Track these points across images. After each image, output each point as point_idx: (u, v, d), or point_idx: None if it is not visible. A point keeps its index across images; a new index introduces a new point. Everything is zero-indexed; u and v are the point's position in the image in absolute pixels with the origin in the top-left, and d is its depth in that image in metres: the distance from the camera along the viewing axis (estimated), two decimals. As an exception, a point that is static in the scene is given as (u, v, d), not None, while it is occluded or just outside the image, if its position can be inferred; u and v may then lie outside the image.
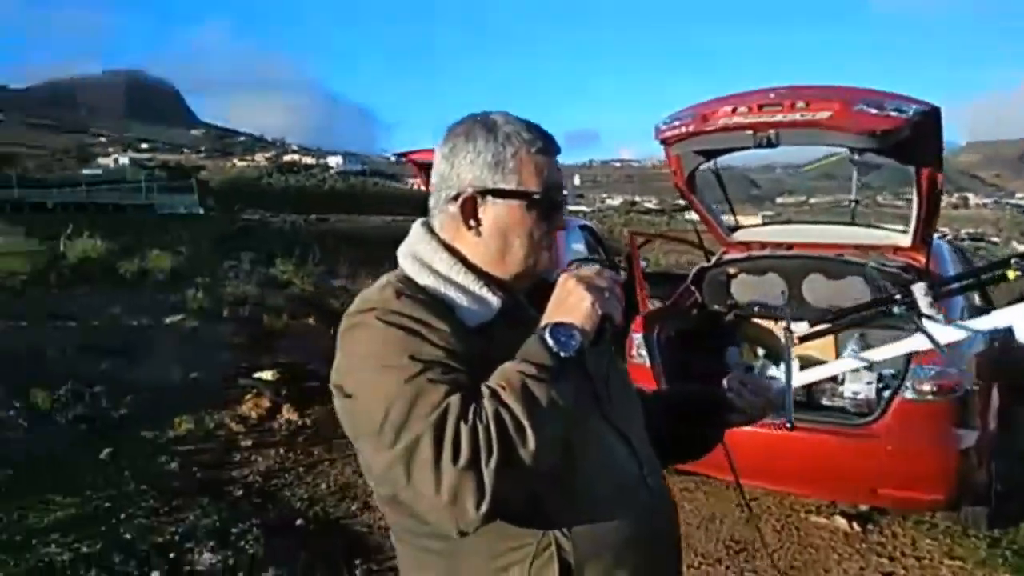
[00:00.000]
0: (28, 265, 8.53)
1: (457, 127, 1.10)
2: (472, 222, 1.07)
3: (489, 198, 1.06)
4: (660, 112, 4.43)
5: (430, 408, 0.88)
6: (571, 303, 0.98)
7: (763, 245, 4.51)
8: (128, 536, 3.40)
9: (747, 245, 4.61)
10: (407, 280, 1.06)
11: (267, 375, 5.32)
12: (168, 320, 7.21)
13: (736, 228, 4.77)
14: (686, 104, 3.65)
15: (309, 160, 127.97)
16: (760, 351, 4.39)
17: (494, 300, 1.05)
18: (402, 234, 1.13)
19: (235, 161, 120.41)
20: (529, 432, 0.87)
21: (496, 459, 0.86)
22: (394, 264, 1.11)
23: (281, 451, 4.70)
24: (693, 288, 4.57)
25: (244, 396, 5.27)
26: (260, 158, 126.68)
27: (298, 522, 3.81)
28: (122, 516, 3.58)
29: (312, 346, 7.00)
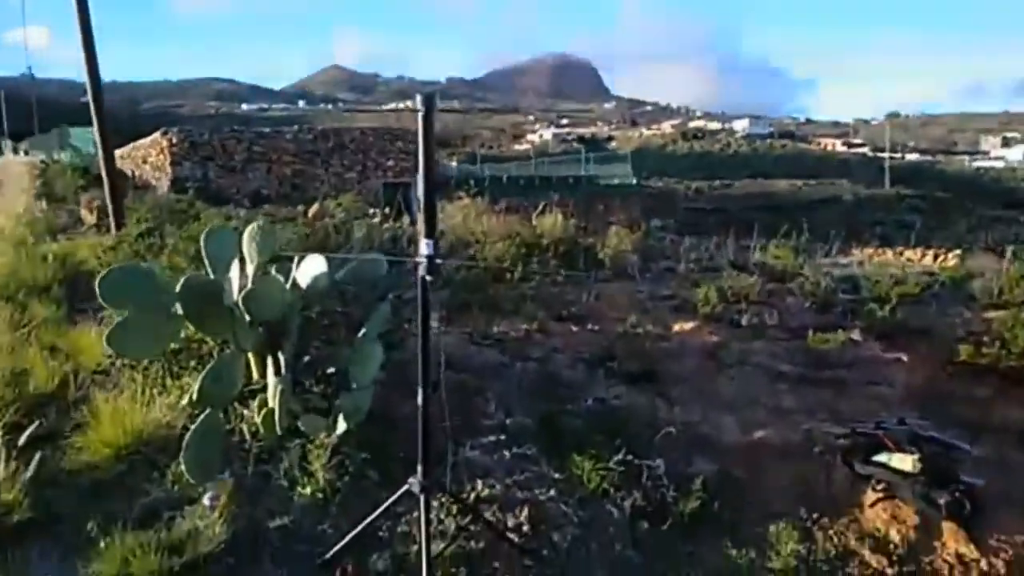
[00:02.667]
0: (513, 249, 7.88)
1: None
2: None
3: None
4: None
5: None
6: None
7: None
8: None
9: None
10: None
11: (903, 462, 3.20)
12: (677, 327, 5.64)
13: None
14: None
15: (714, 125, 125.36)
16: None
17: None
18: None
19: (642, 130, 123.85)
20: None
21: None
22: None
23: (987, 638, 2.57)
24: None
25: (863, 493, 3.25)
26: (666, 126, 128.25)
27: None
28: None
29: (889, 385, 4.73)
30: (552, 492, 3.09)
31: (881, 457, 3.28)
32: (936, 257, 16.31)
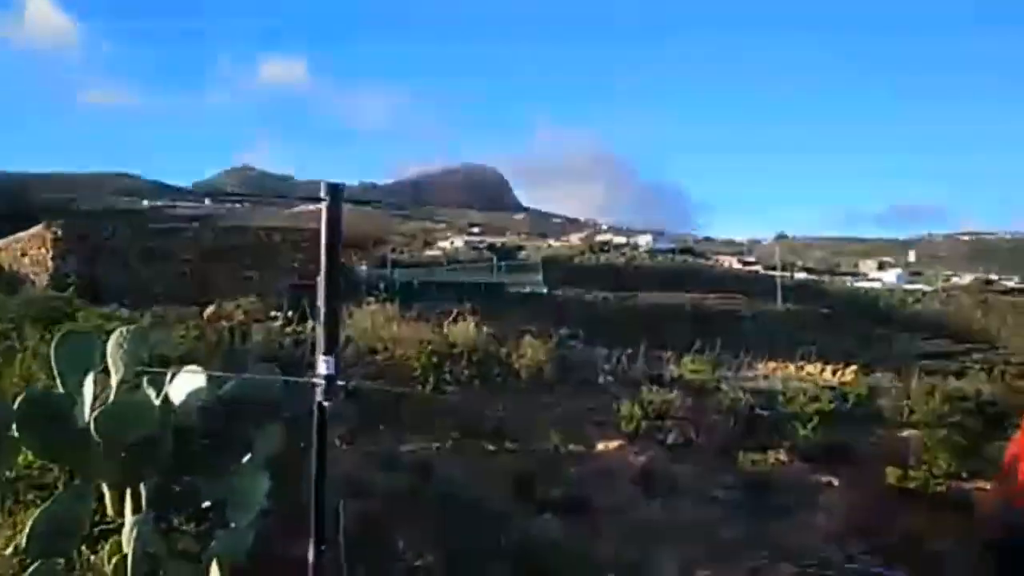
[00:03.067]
0: (423, 357, 7.40)
1: None
2: None
3: None
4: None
5: None
6: None
7: None
8: None
9: None
10: None
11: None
12: (601, 445, 5.28)
13: None
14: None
15: (620, 239, 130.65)
16: None
17: None
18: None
19: (551, 242, 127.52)
20: None
21: None
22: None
23: None
24: None
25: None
26: (574, 238, 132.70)
27: None
28: None
29: (826, 512, 4.48)
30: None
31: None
32: (835, 372, 16.87)
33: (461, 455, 4.87)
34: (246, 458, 3.03)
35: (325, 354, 1.85)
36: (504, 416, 5.95)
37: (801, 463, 5.33)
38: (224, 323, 10.48)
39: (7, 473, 3.06)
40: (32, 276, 16.71)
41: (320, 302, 1.88)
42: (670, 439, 5.48)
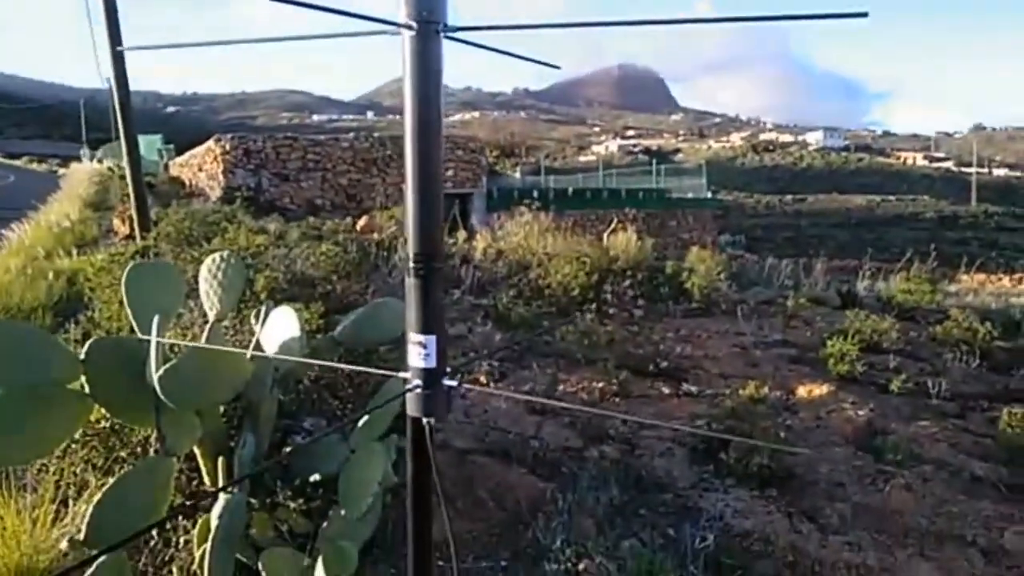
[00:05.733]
0: (582, 275, 6.57)
1: None
2: None
3: None
4: None
5: None
6: None
7: None
8: None
9: None
10: None
11: None
12: (804, 390, 4.22)
13: None
14: None
15: (786, 138, 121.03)
16: None
17: None
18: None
19: (710, 143, 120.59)
20: None
21: None
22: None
23: None
24: None
25: None
26: (735, 138, 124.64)
27: None
28: None
29: None
30: None
31: None
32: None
33: (629, 398, 4.03)
34: (362, 421, 2.36)
35: (420, 331, 1.01)
36: (678, 349, 5.02)
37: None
38: (375, 236, 10.20)
39: (77, 435, 2.59)
40: (208, 189, 17.55)
41: (410, 202, 0.99)
42: (895, 385, 4.31)
